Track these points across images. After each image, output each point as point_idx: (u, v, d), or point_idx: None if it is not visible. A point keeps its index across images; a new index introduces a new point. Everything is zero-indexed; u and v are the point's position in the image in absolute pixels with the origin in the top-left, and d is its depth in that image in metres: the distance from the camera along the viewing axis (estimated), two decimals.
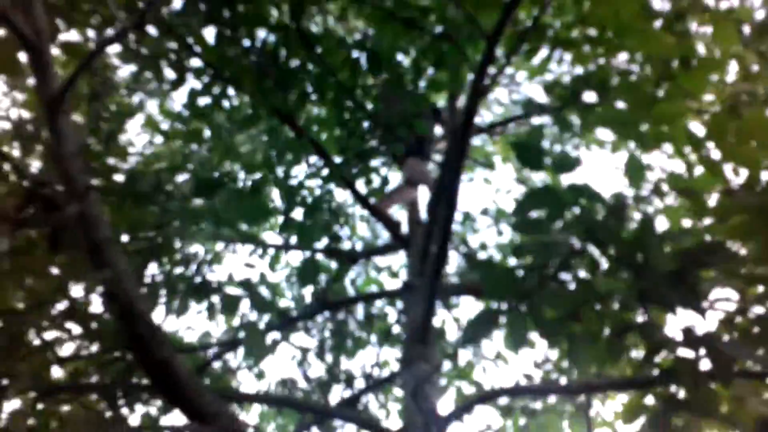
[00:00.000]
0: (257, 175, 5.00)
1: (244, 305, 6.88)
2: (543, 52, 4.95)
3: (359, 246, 7.89)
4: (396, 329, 7.34)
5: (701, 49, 4.56)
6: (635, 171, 3.29)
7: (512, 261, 2.92)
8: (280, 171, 5.33)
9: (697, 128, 2.94)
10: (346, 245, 6.60)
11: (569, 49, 4.65)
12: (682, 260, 2.41)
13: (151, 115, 6.37)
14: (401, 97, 5.76)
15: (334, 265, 6.73)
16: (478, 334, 3.19)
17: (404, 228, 6.38)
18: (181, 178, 5.54)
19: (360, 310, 7.04)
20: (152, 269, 5.70)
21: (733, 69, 5.02)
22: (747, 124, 2.61)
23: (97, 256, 3.33)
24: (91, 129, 5.62)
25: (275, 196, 5.77)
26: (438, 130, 7.47)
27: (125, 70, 6.14)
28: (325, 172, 5.88)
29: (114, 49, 5.54)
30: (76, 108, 5.71)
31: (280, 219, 5.48)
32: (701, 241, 2.39)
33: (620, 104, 4.04)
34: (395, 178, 7.35)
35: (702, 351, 2.47)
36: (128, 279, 3.34)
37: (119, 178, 4.79)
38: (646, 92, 3.87)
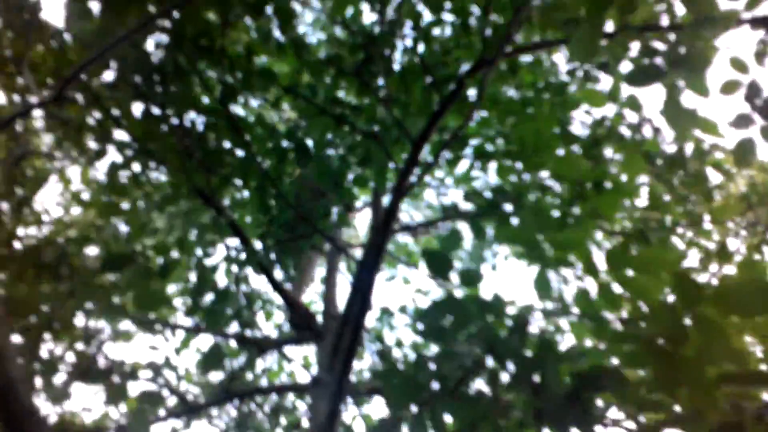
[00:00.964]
0: (171, 254, 4.86)
1: (144, 388, 6.65)
2: (466, 162, 5.12)
3: (274, 334, 7.72)
4: (304, 423, 7.13)
5: (613, 174, 4.82)
6: (543, 286, 3.38)
7: (418, 366, 2.91)
8: (196, 252, 5.22)
9: (600, 256, 3.07)
10: (260, 332, 6.45)
11: (489, 160, 4.83)
12: (578, 381, 2.44)
13: (69, 183, 6.21)
14: (327, 190, 5.81)
15: (243, 353, 6.55)
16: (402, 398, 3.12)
17: (318, 320, 6.29)
18: (92, 251, 5.37)
19: (269, 401, 6.82)
20: (50, 345, 5.44)
21: (644, 196, 5.30)
22: (641, 258, 2.73)
23: None
24: (5, 193, 5.44)
25: (188, 276, 5.64)
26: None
27: (49, 137, 6.04)
28: (243, 256, 5.80)
29: (38, 113, 5.46)
30: None
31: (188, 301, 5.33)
32: (596, 364, 2.44)
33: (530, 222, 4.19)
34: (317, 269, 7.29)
35: None
36: (9, 357, 3.15)
37: (24, 245, 4.60)
38: (551, 218, 4.04)
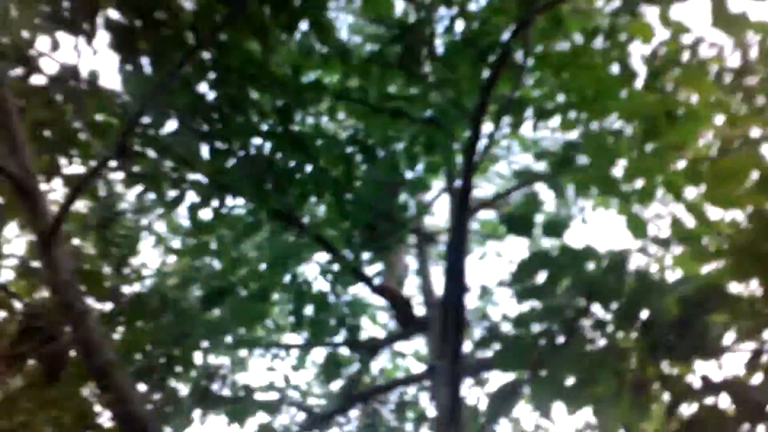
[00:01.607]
0: (264, 279, 5.05)
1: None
2: (529, 125, 5.08)
3: (382, 334, 7.85)
4: (430, 413, 7.21)
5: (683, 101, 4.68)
6: (636, 226, 3.34)
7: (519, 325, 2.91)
8: (288, 271, 5.38)
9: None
10: (367, 335, 6.59)
11: (551, 117, 4.77)
12: (686, 308, 2.40)
13: (160, 235, 6.52)
14: (399, 185, 5.88)
15: (356, 358, 6.69)
16: (502, 407, 3.17)
17: (420, 310, 6.39)
18: (195, 292, 5.63)
19: (391, 398, 6.95)
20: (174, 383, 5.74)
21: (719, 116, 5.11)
22: (719, 168, 2.65)
23: (102, 379, 3.37)
24: (101, 255, 5.75)
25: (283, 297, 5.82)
26: None
27: (131, 195, 6.34)
28: (335, 266, 5.95)
29: (118, 175, 5.75)
30: (85, 236, 5.86)
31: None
32: (700, 287, 2.40)
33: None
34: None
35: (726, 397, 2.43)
36: (135, 399, 3.36)
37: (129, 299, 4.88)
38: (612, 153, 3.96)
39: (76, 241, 5.68)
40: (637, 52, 5.13)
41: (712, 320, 2.44)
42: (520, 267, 2.71)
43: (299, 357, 7.60)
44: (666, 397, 2.66)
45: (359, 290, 7.44)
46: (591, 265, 2.62)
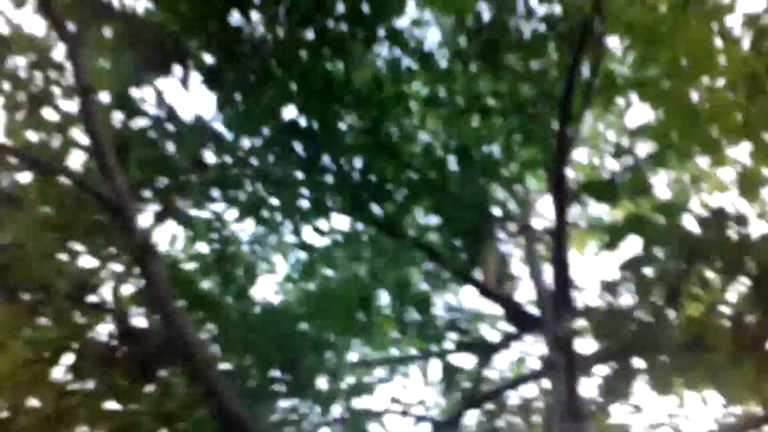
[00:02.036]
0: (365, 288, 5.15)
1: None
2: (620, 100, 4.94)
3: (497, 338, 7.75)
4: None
5: None
6: (749, 186, 3.17)
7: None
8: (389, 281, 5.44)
9: None
10: (480, 339, 6.53)
11: (645, 89, 4.62)
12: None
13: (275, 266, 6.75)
14: (494, 182, 5.86)
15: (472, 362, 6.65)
16: (617, 390, 3.08)
17: (530, 308, 6.30)
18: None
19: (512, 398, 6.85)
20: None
21: None
22: None
23: (198, 376, 3.55)
24: (222, 288, 6.03)
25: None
26: None
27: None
28: (440, 272, 5.98)
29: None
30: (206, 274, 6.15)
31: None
32: None
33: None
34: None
35: None
36: (231, 396, 3.51)
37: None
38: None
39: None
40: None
41: None
42: (614, 231, 2.60)
43: (421, 369, 7.67)
44: None
45: (468, 296, 7.45)
46: (690, 226, 2.50)
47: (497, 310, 7.77)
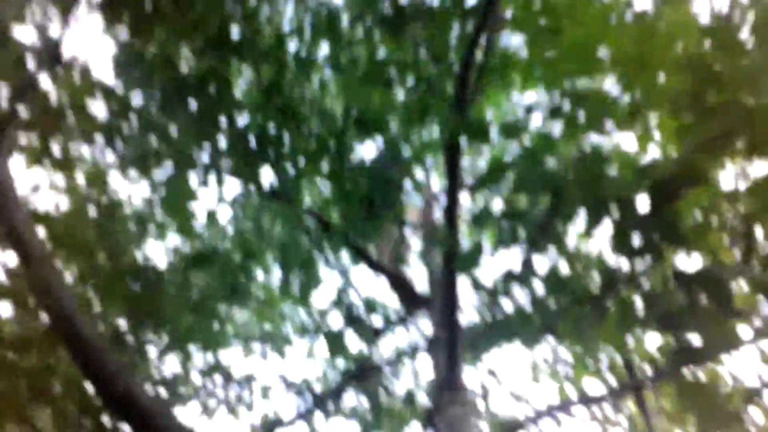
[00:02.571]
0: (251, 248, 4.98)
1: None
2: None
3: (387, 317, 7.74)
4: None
5: None
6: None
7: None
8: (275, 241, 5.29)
9: None
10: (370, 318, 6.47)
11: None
12: (654, 196, 2.27)
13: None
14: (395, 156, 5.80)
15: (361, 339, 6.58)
16: (490, 343, 3.06)
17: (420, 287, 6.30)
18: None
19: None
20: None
21: None
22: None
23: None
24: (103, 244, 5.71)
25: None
26: None
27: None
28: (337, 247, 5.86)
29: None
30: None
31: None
32: (667, 169, 2.25)
33: None
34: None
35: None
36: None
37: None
38: None
39: None
40: None
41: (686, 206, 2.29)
42: (481, 180, 2.56)
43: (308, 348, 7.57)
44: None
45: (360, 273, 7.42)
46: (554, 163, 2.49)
47: (388, 288, 7.80)
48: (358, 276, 7.30)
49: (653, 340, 5.67)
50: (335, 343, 5.14)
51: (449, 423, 4.36)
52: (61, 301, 3.26)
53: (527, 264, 2.66)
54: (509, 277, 2.74)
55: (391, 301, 6.57)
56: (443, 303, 5.34)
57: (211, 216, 4.70)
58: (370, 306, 6.17)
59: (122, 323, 4.96)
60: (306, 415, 6.64)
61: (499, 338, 2.85)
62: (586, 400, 4.06)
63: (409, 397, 7.18)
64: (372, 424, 6.76)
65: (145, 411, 3.07)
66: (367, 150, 6.20)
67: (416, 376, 7.28)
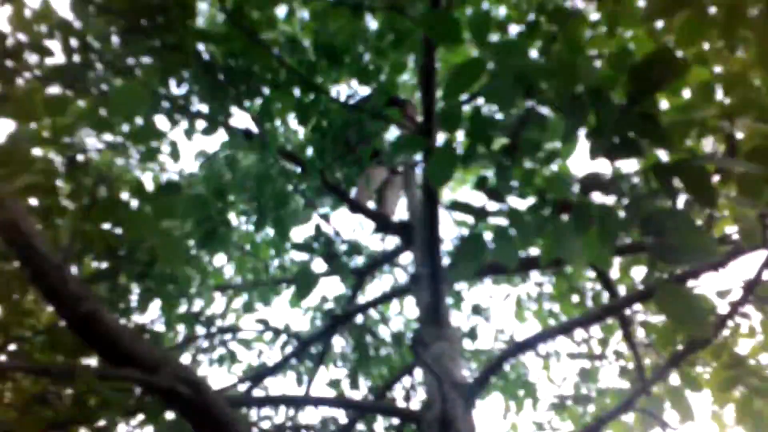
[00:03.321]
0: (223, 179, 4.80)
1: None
2: None
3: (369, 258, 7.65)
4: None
5: None
6: None
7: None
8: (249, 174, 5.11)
9: None
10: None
11: None
12: (629, 87, 2.10)
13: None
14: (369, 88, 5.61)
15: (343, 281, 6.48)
16: (468, 260, 2.90)
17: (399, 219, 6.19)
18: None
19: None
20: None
21: None
22: None
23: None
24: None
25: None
26: None
27: None
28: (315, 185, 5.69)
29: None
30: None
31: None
32: (647, 54, 2.07)
33: None
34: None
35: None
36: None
37: None
38: None
39: None
40: None
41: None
42: (454, 81, 2.36)
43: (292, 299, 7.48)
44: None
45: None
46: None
47: (371, 230, 7.66)
48: (339, 219, 7.19)
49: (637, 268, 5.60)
50: (305, 281, 4.98)
51: (434, 358, 4.28)
52: (16, 217, 3.03)
53: (501, 174, 2.50)
54: (482, 187, 2.57)
55: (374, 243, 6.47)
56: (424, 237, 5.23)
57: (174, 148, 4.48)
58: (352, 248, 6.03)
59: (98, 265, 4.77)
60: (291, 362, 6.56)
61: (475, 255, 2.69)
62: (567, 327, 3.96)
63: (398, 339, 7.13)
64: (358, 369, 6.70)
65: (111, 334, 2.89)
66: (341, 88, 6.01)
67: (404, 317, 7.24)
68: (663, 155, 2.30)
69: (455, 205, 2.86)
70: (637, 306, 6.68)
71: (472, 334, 7.48)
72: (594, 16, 4.37)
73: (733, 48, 2.32)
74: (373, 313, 7.32)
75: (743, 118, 2.45)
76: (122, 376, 2.76)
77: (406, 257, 7.12)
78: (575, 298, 7.40)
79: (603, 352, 7.09)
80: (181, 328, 7.21)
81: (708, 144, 2.66)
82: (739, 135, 2.36)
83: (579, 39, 2.06)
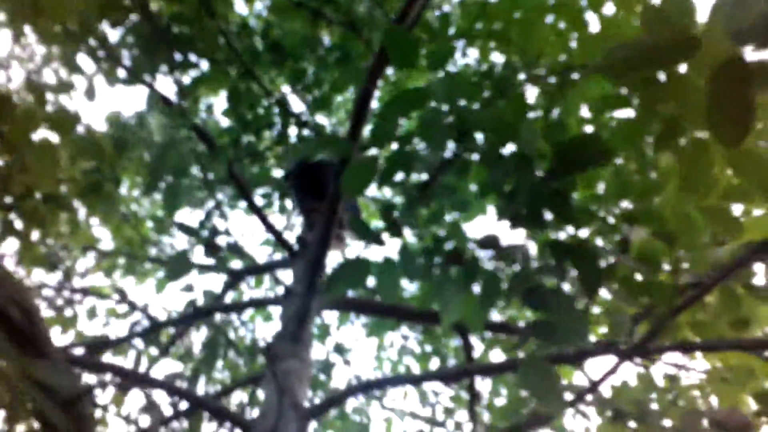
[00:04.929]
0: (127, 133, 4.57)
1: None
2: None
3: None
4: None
5: None
6: None
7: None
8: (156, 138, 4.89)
9: None
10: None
11: (473, 43, 4.54)
12: (558, 156, 2.14)
13: None
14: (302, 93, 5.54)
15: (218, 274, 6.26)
16: (347, 279, 2.85)
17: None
18: None
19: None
20: None
21: None
22: None
23: None
24: None
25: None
26: None
27: None
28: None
29: None
30: None
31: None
32: (577, 135, 2.13)
33: None
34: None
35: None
36: None
37: None
38: None
39: None
40: None
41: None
42: (386, 106, 2.33)
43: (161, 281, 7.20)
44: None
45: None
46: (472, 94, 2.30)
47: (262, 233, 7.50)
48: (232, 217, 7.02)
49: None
50: (179, 265, 4.77)
51: (283, 372, 4.19)
52: None
53: (409, 206, 2.49)
54: (386, 216, 2.55)
55: (258, 249, 6.30)
56: (313, 254, 5.16)
57: (91, 85, 4.25)
58: (236, 248, 5.87)
59: None
60: (135, 343, 6.24)
61: (356, 277, 2.65)
62: (418, 379, 3.99)
63: (250, 350, 6.96)
64: (201, 368, 6.45)
65: None
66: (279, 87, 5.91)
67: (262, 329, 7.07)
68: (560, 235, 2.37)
69: (354, 224, 2.83)
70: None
71: (326, 369, 7.40)
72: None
73: (657, 162, 2.43)
74: (234, 318, 7.11)
75: (642, 228, 2.55)
76: None
77: (287, 272, 7.00)
78: (435, 362, 7.48)
79: (444, 421, 7.16)
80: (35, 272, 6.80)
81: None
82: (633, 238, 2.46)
83: (524, 106, 2.10)
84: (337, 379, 7.65)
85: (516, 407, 4.23)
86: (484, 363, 3.84)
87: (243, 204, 7.27)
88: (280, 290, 8.05)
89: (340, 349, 7.61)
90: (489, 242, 2.42)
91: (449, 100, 2.20)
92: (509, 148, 2.20)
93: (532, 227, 2.23)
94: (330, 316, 8.14)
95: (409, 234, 2.72)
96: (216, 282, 6.81)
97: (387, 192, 7.01)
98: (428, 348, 7.59)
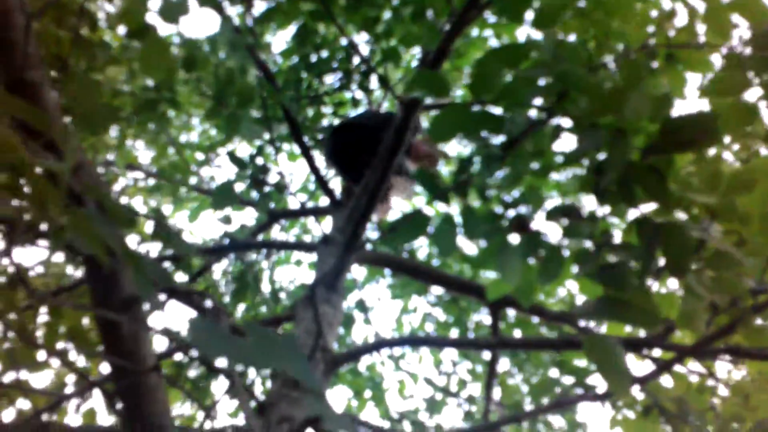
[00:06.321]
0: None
1: None
2: None
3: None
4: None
5: None
6: None
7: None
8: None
9: None
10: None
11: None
12: (659, 135, 2.05)
13: None
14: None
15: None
16: (408, 229, 2.81)
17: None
18: None
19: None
20: None
21: None
22: None
23: None
24: None
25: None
26: None
27: None
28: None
29: None
30: None
31: None
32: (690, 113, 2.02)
33: None
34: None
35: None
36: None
37: None
38: None
39: None
40: None
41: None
42: (480, 63, 2.23)
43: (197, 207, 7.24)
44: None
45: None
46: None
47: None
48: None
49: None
50: (223, 194, 4.72)
51: (314, 316, 4.17)
52: None
53: (487, 163, 2.41)
54: (462, 171, 2.49)
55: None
56: (357, 205, 5.09)
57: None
58: (281, 187, 5.85)
59: None
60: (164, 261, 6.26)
61: (416, 229, 2.61)
62: (438, 342, 3.98)
63: (275, 292, 6.98)
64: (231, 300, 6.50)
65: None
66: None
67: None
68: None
69: (421, 177, 2.76)
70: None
71: (347, 324, 7.42)
72: None
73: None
74: (260, 260, 7.13)
75: (719, 225, 2.46)
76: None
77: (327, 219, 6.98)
78: (454, 333, 7.46)
79: (458, 392, 7.16)
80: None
81: None
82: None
83: (639, 71, 1.98)
84: (355, 336, 7.65)
85: (543, 389, 4.19)
86: (532, 336, 3.77)
87: (288, 147, 7.25)
88: (307, 239, 8.08)
89: (362, 307, 7.59)
90: (569, 211, 2.34)
91: (553, 60, 2.11)
92: (607, 119, 2.10)
93: (620, 203, 2.16)
94: (357, 272, 8.14)
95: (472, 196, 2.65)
96: (248, 220, 6.79)
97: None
98: (450, 318, 7.56)
